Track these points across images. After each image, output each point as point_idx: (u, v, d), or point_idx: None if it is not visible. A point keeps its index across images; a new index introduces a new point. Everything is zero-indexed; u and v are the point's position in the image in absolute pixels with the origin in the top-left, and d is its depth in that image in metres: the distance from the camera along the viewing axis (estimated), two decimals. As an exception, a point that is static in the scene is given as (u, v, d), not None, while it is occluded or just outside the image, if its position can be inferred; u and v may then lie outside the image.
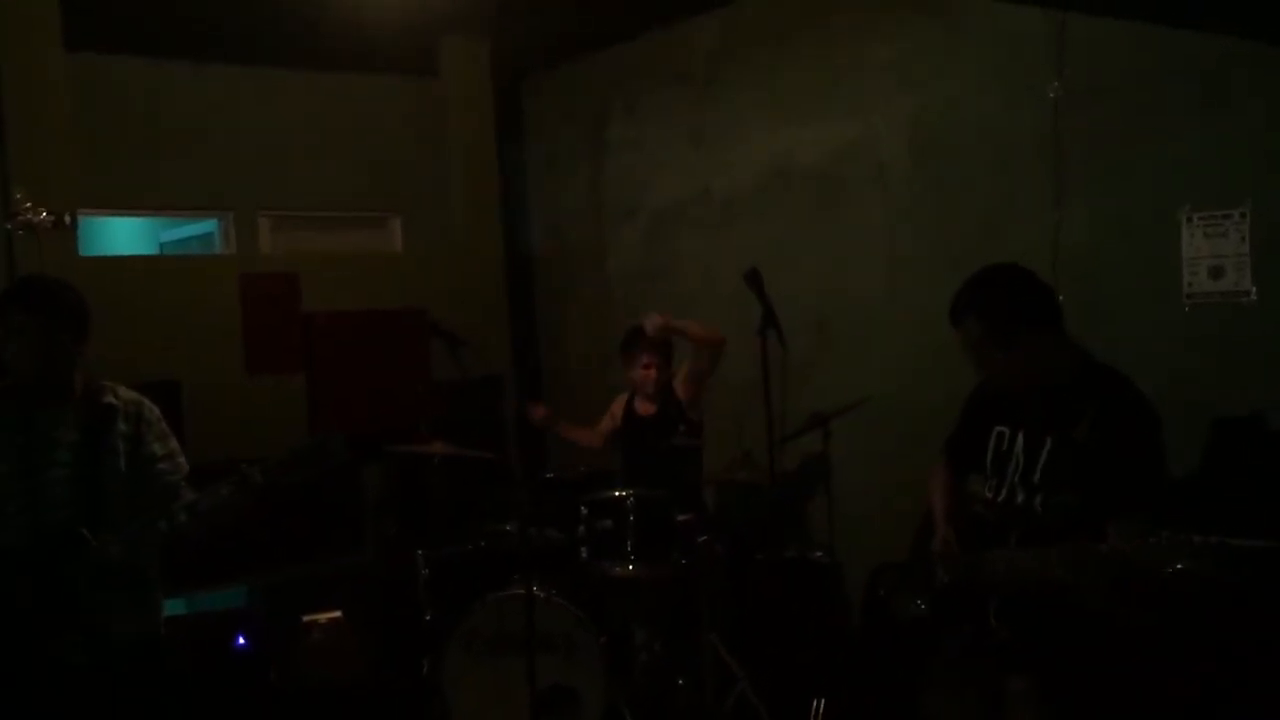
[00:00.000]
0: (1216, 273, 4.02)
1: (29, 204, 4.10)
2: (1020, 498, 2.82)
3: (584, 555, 4.34)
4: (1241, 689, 3.29)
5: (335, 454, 2.90)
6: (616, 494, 4.34)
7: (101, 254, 6.53)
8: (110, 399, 2.95)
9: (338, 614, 4.92)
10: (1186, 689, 3.32)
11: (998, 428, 2.92)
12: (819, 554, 4.79)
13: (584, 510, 4.35)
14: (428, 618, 4.55)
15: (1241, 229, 3.95)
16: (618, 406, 5.11)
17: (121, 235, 7.41)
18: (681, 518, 4.35)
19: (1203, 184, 4.06)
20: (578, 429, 5.28)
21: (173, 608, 4.41)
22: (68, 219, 4.20)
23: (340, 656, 4.86)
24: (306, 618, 4.87)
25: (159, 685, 2.95)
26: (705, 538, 4.44)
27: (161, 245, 7.54)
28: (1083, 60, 4.37)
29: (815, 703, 4.25)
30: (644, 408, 4.95)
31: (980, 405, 3.05)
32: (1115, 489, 2.63)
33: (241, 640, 4.61)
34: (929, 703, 3.03)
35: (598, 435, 5.21)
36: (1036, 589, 2.65)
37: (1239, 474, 3.76)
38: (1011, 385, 2.88)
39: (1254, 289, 3.95)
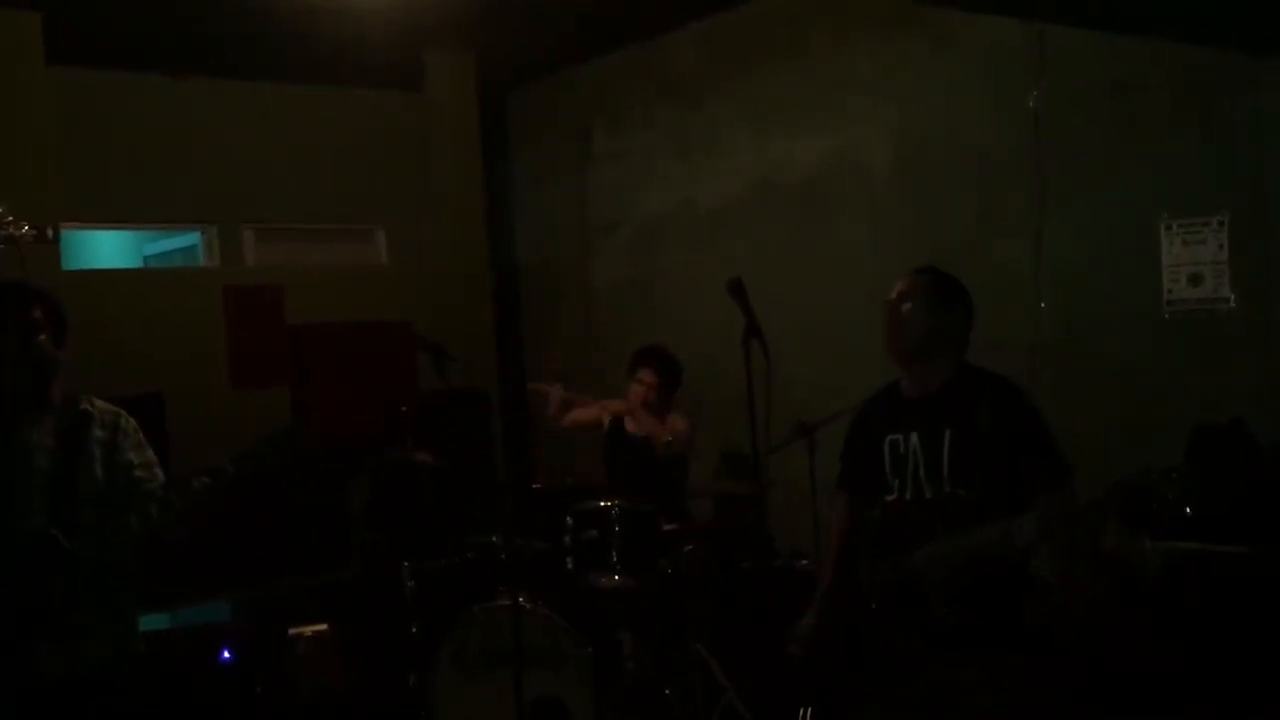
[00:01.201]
0: (1196, 280, 4.06)
1: (11, 218, 4.08)
2: (929, 492, 2.89)
3: (570, 566, 4.33)
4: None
5: (307, 440, 2.90)
6: (602, 504, 4.34)
7: (85, 268, 6.51)
8: (86, 406, 2.94)
9: (324, 627, 4.90)
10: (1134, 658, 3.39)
11: (890, 437, 3.00)
12: (805, 563, 4.79)
13: (569, 521, 4.35)
14: (414, 630, 4.53)
15: (1220, 237, 3.99)
16: (613, 408, 5.10)
17: (105, 249, 7.39)
18: (668, 527, 4.35)
19: (1181, 192, 4.10)
20: (587, 409, 5.24)
21: (157, 622, 4.40)
22: (50, 233, 4.19)
23: (326, 669, 4.84)
24: (292, 630, 4.85)
25: (133, 702, 2.92)
26: (691, 547, 4.45)
27: (145, 258, 7.51)
28: (1062, 71, 4.41)
29: (802, 712, 4.25)
30: (633, 425, 4.96)
31: (865, 428, 3.16)
32: (1031, 464, 2.79)
33: (226, 654, 4.58)
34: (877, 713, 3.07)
35: (571, 419, 5.21)
36: (968, 569, 2.75)
37: (1219, 481, 3.79)
38: (898, 359, 3.01)
39: (1233, 296, 3.99)
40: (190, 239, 6.78)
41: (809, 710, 4.24)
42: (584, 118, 6.85)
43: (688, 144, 6.17)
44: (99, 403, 2.98)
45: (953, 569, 2.78)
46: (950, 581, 2.78)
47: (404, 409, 4.81)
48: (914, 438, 2.94)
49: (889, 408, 3.07)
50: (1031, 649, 2.86)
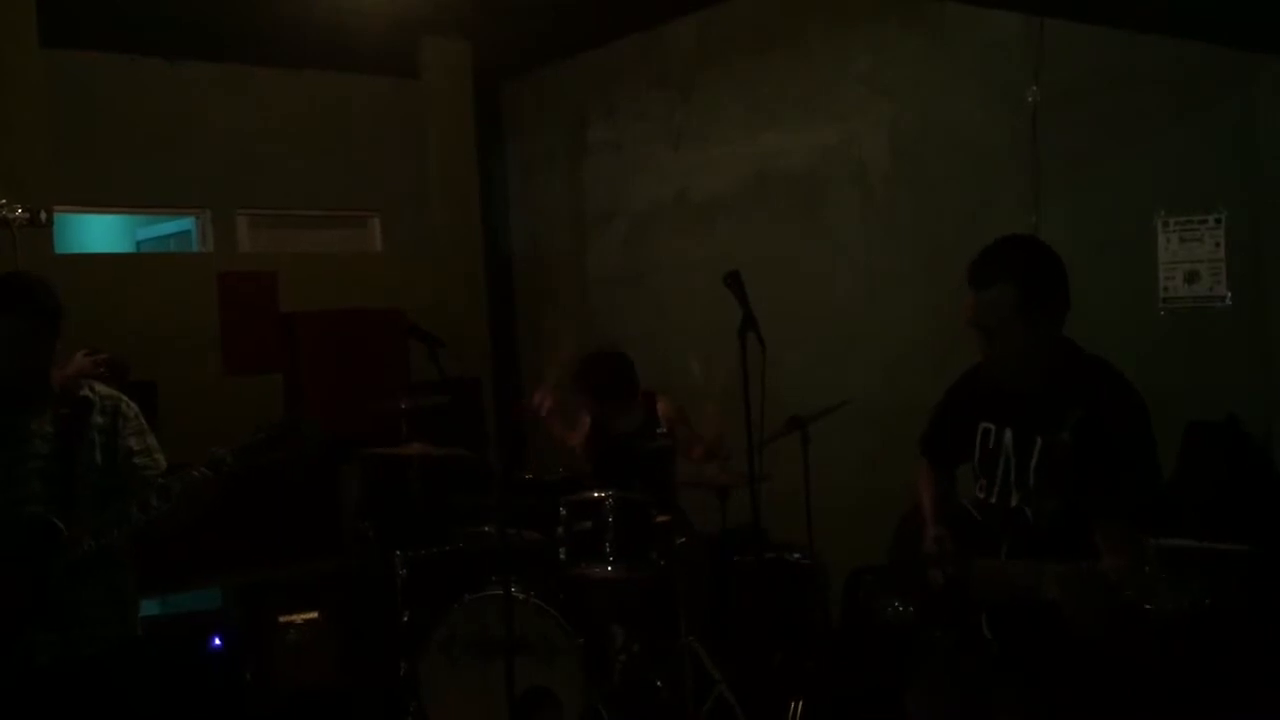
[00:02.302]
0: (1192, 277, 4.06)
1: (4, 201, 4.07)
2: (1014, 501, 2.68)
3: (562, 556, 4.33)
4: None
5: (308, 437, 2.88)
6: (595, 495, 4.33)
7: (77, 252, 6.48)
8: (86, 393, 2.93)
9: (315, 615, 4.89)
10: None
11: (983, 424, 2.76)
12: (798, 556, 4.80)
13: (563, 511, 4.34)
14: (405, 619, 4.53)
15: (1217, 234, 3.99)
16: (585, 418, 5.10)
17: (97, 233, 7.36)
18: (660, 519, 4.35)
19: (1178, 189, 4.10)
20: (566, 428, 5.23)
21: (147, 609, 4.38)
22: (43, 216, 4.17)
23: (317, 658, 4.84)
24: (283, 618, 4.85)
25: (133, 687, 2.92)
26: (684, 539, 4.45)
27: (138, 243, 7.49)
28: (1060, 66, 4.41)
29: (793, 704, 4.26)
30: (614, 424, 4.93)
31: (962, 400, 2.88)
32: (1099, 493, 2.49)
33: (217, 641, 4.58)
34: (914, 700, 2.99)
35: (580, 437, 5.19)
36: (1028, 603, 2.53)
37: (1213, 478, 3.80)
38: (1006, 370, 2.66)
39: (1229, 294, 3.99)
40: (184, 224, 6.76)
41: (799, 703, 4.26)
42: (580, 107, 6.83)
43: (683, 134, 6.15)
44: (100, 388, 2.98)
45: (1000, 593, 2.62)
46: (998, 603, 2.64)
47: (398, 407, 4.79)
48: (1008, 435, 2.69)
49: (987, 388, 2.76)
50: (1061, 704, 2.68)
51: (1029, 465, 2.63)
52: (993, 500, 2.73)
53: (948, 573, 2.74)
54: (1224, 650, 3.36)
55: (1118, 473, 2.49)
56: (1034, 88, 4.45)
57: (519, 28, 6.35)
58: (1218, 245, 3.99)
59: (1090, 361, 2.65)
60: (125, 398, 3.00)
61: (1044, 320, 2.58)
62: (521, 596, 4.08)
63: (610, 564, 4.24)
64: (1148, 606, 2.28)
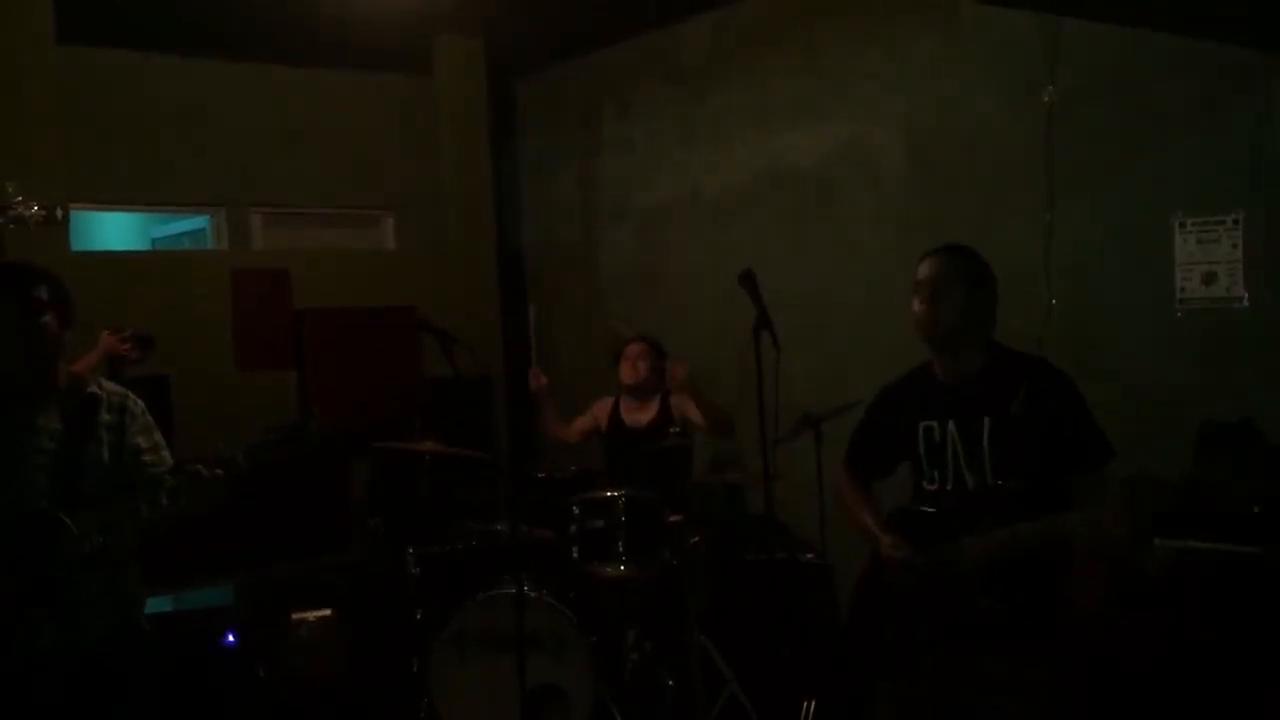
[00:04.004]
0: (1209, 279, 4.04)
1: (19, 198, 4.07)
2: (972, 481, 2.84)
3: (575, 555, 4.33)
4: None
5: (317, 435, 2.89)
6: (608, 494, 4.33)
7: (93, 249, 6.51)
8: (94, 389, 2.92)
9: (327, 611, 4.91)
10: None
11: (923, 423, 2.93)
12: (809, 556, 4.79)
13: (575, 510, 4.35)
14: (417, 616, 4.54)
15: (1234, 236, 3.96)
16: (601, 410, 5.10)
17: (113, 231, 7.39)
18: (673, 518, 4.35)
19: (1196, 190, 4.07)
20: (559, 419, 5.25)
21: (160, 605, 4.40)
22: (59, 213, 4.16)
23: (329, 654, 4.85)
24: (295, 615, 4.86)
25: (136, 678, 2.92)
26: (696, 538, 4.44)
27: (153, 241, 7.51)
28: (1077, 65, 4.38)
29: (805, 704, 4.25)
30: (633, 416, 4.94)
31: (894, 408, 3.08)
32: (1070, 448, 2.74)
33: (230, 637, 4.59)
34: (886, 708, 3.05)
35: (573, 431, 5.19)
36: (1015, 559, 2.72)
37: (1227, 480, 3.77)
38: (950, 340, 2.90)
39: (1246, 296, 3.96)
40: (198, 222, 6.78)
41: (811, 703, 4.25)
42: (592, 105, 6.82)
43: (695, 133, 6.14)
44: (107, 384, 2.98)
45: (999, 560, 2.72)
46: (994, 572, 2.73)
47: (415, 405, 4.81)
48: (951, 426, 2.88)
49: (921, 392, 2.99)
50: (1051, 649, 2.80)
51: (981, 447, 2.82)
52: (948, 487, 2.89)
53: (920, 571, 2.86)
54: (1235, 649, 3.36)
55: (1077, 430, 2.76)
56: (1050, 87, 4.43)
57: (532, 26, 6.35)
58: (1235, 246, 3.97)
59: (1014, 353, 2.94)
60: (132, 395, 3.00)
61: (980, 293, 2.89)
62: (533, 594, 4.09)
63: (622, 563, 4.24)
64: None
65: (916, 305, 2.93)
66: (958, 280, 2.88)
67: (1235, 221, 3.96)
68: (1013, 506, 2.74)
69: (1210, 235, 4.02)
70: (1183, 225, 4.09)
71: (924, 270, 2.93)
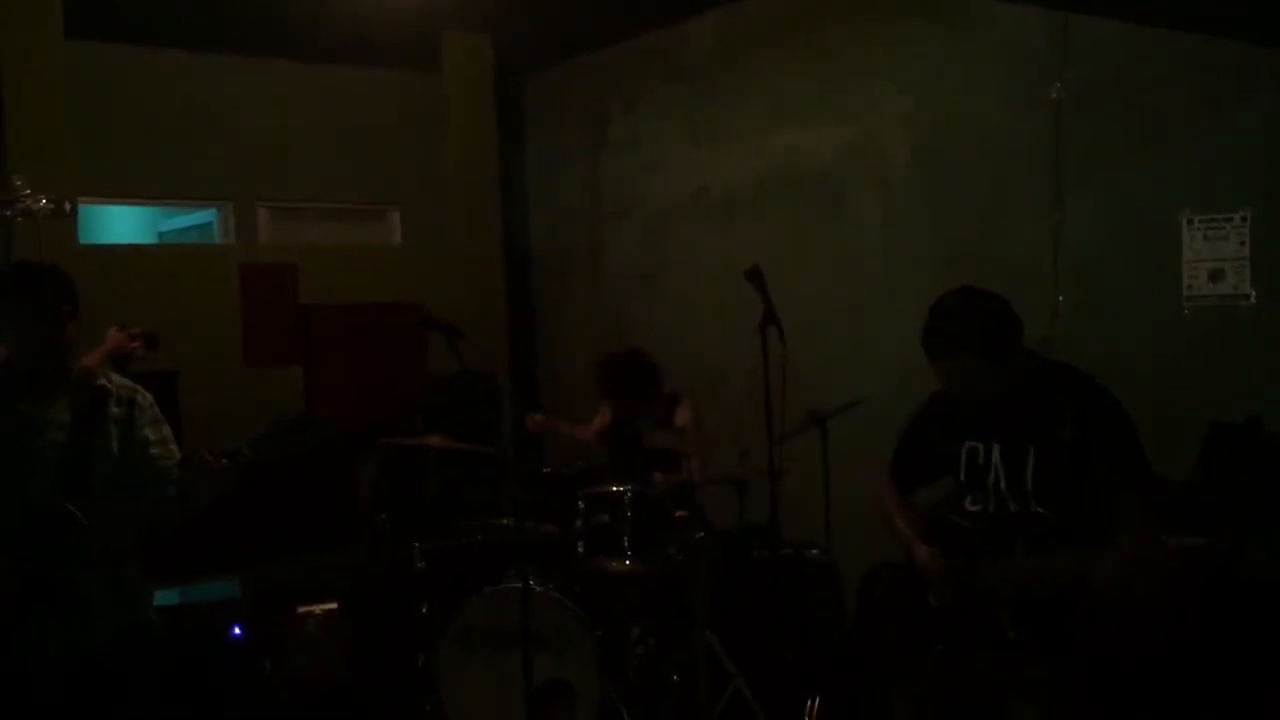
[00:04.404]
0: (1216, 276, 4.03)
1: (28, 191, 4.08)
2: (1013, 507, 2.79)
3: (580, 550, 4.33)
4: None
5: (323, 432, 2.89)
6: (614, 489, 4.34)
7: (100, 243, 6.52)
8: (103, 383, 2.93)
9: (333, 606, 4.91)
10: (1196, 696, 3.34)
11: (968, 444, 2.88)
12: (815, 552, 4.79)
13: (581, 505, 4.35)
14: (423, 611, 4.54)
15: (1242, 233, 3.96)
16: (606, 405, 5.11)
17: (120, 224, 7.39)
18: (678, 514, 4.35)
19: (1203, 187, 4.07)
20: (574, 425, 5.27)
21: (167, 598, 4.41)
22: (67, 207, 4.18)
23: (335, 648, 4.85)
24: (301, 609, 4.86)
25: (141, 676, 2.93)
26: (701, 534, 4.44)
27: (160, 234, 7.52)
28: (1084, 63, 4.38)
29: (809, 701, 4.25)
30: (637, 421, 4.94)
31: (937, 424, 3.01)
32: (1115, 477, 2.65)
33: (236, 631, 4.60)
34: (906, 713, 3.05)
35: (593, 431, 5.22)
36: (1048, 592, 2.66)
37: (1235, 477, 3.77)
38: (984, 404, 2.82)
39: (1253, 293, 3.96)
40: (206, 216, 6.78)
41: (816, 701, 4.25)
42: (599, 103, 6.82)
43: (702, 131, 6.14)
44: (115, 378, 2.98)
45: (1026, 590, 2.71)
46: (1021, 601, 2.72)
47: (418, 401, 4.82)
48: (995, 450, 2.82)
49: (965, 410, 2.90)
50: (1077, 655, 2.77)
51: (1024, 474, 2.76)
52: (990, 510, 2.84)
53: (955, 584, 2.83)
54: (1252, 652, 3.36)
55: (1123, 453, 2.66)
56: (1057, 85, 4.42)
57: (540, 23, 6.35)
58: (1243, 244, 3.96)
59: (1059, 367, 2.84)
60: (140, 388, 3.00)
61: (1006, 362, 2.75)
62: (539, 589, 4.09)
63: (627, 558, 4.24)
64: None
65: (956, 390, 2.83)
66: (980, 373, 2.75)
67: (1243, 218, 3.96)
68: (1050, 535, 2.70)
69: (1218, 232, 4.01)
70: (1190, 222, 4.09)
71: (938, 371, 2.81)
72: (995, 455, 2.83)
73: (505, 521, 4.68)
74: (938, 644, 2.90)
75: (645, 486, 4.37)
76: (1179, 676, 3.44)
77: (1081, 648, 2.75)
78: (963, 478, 2.90)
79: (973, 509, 2.89)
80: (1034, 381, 2.79)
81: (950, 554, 2.87)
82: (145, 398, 2.99)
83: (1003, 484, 2.81)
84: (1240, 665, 3.35)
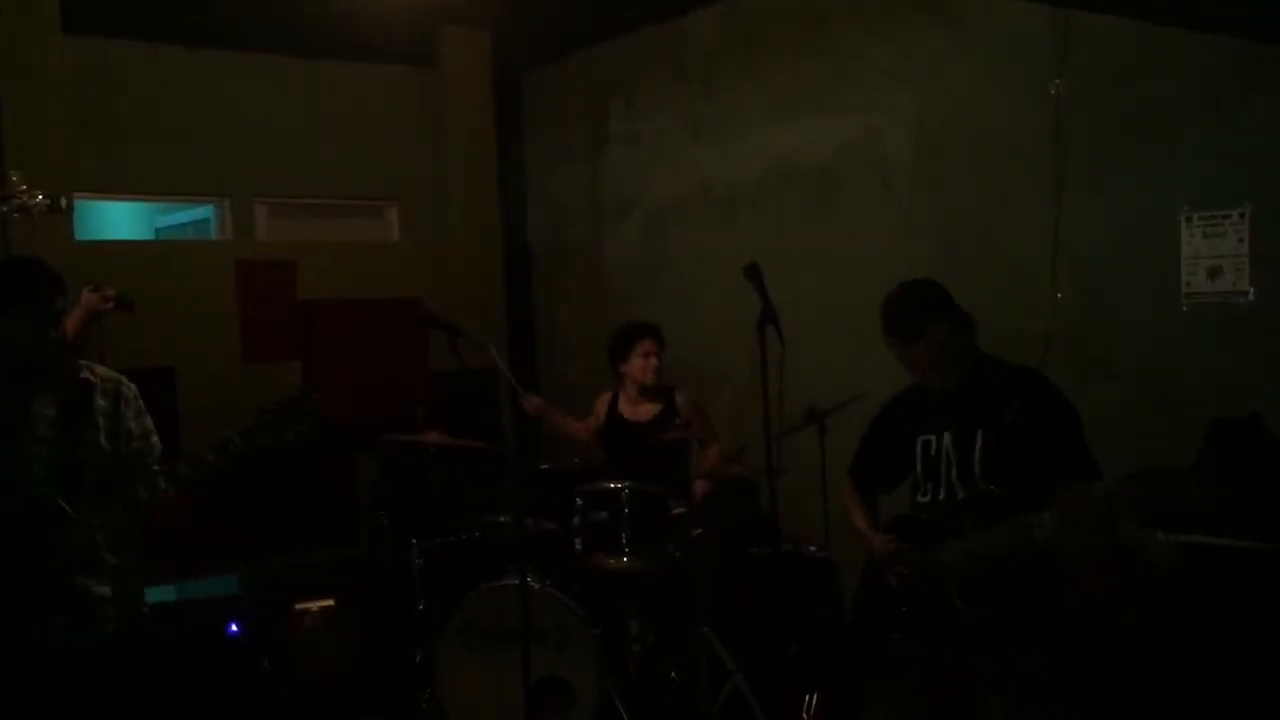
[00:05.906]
0: (1215, 273, 4.03)
1: (24, 187, 4.07)
2: (961, 491, 2.92)
3: (579, 547, 4.33)
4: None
5: (312, 415, 2.89)
6: (612, 486, 4.34)
7: (97, 239, 6.51)
8: (87, 375, 2.93)
9: (331, 602, 4.91)
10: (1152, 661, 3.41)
11: (922, 437, 3.02)
12: (813, 549, 4.79)
13: (579, 502, 4.35)
14: (421, 607, 4.54)
15: (1241, 230, 3.95)
16: (601, 404, 5.10)
17: (117, 220, 7.38)
18: (676, 511, 4.35)
19: (1203, 184, 4.06)
20: (571, 421, 5.26)
21: (164, 594, 4.41)
22: (63, 202, 4.17)
23: (333, 645, 4.86)
24: (299, 606, 4.87)
25: (140, 669, 2.93)
26: (700, 531, 4.44)
27: (157, 230, 7.51)
28: (1085, 59, 4.37)
29: (808, 697, 4.25)
30: (632, 411, 4.92)
31: (895, 423, 3.17)
32: (1057, 463, 2.77)
33: (234, 627, 4.60)
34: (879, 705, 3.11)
35: (587, 429, 5.21)
36: (991, 565, 2.78)
37: (1234, 475, 3.76)
38: (949, 385, 2.97)
39: (1252, 290, 3.95)
40: (203, 212, 6.77)
41: (814, 696, 4.25)
42: (599, 99, 6.81)
43: (703, 127, 6.13)
44: (100, 370, 2.98)
45: (975, 565, 2.79)
46: (972, 577, 2.80)
47: (419, 397, 4.81)
48: (946, 438, 2.96)
49: (919, 406, 3.07)
50: (1047, 645, 2.85)
51: (972, 458, 2.90)
52: (940, 497, 2.98)
53: (909, 563, 2.96)
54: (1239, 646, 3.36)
55: (1066, 442, 2.81)
56: (1058, 81, 4.41)
57: (539, 18, 6.34)
58: (1242, 241, 3.96)
59: (1010, 364, 3.02)
60: (125, 379, 3.00)
61: (970, 336, 2.97)
62: (537, 586, 4.09)
63: (626, 555, 4.24)
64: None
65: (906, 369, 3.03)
66: (915, 339, 2.95)
67: (1241, 215, 3.96)
68: (996, 510, 2.80)
69: (1217, 229, 4.01)
70: (1189, 219, 4.09)
71: (915, 355, 2.99)
72: (946, 442, 2.96)
73: (504, 519, 4.68)
74: (894, 632, 2.99)
75: (686, 499, 4.41)
76: (1175, 670, 3.45)
77: (1043, 633, 2.85)
78: (918, 469, 3.03)
79: (923, 500, 3.03)
80: (986, 374, 2.96)
81: (906, 541, 3.00)
82: (130, 389, 2.99)
83: (954, 471, 2.93)
84: (1248, 660, 3.35)
